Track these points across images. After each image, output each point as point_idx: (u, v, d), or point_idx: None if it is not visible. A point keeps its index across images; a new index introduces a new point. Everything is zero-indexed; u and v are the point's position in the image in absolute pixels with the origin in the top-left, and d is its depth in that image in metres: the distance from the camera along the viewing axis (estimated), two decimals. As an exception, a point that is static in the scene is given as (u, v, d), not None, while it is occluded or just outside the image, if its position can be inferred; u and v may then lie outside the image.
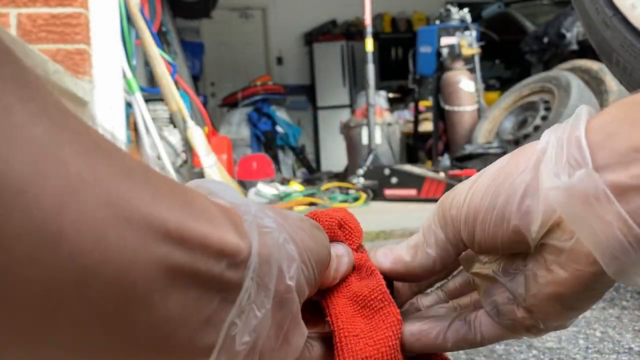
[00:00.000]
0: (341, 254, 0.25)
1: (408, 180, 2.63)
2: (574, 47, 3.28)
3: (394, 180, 2.69)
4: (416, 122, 4.03)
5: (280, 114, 4.80)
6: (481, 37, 3.51)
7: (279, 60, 6.46)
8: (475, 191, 0.23)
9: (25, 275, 0.12)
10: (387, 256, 0.26)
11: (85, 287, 0.13)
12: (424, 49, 3.49)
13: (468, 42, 3.35)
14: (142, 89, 2.09)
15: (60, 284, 0.13)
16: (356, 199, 2.61)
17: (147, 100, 2.10)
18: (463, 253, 0.26)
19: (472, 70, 3.35)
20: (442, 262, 0.25)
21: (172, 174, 2.06)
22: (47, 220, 0.12)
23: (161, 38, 2.58)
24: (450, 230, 0.24)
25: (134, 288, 0.14)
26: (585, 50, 3.13)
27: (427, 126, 3.97)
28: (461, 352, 0.64)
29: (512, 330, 0.24)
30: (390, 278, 0.26)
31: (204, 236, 0.17)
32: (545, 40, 3.41)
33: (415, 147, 4.29)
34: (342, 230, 0.27)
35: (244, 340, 0.18)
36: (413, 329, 0.25)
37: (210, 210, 0.18)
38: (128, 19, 1.99)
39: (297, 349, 0.21)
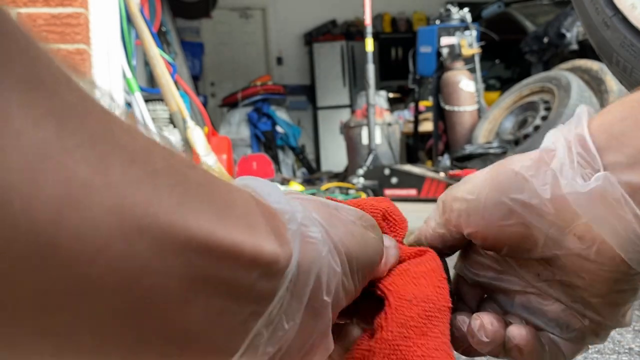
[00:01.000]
0: (388, 246, 0.25)
1: (408, 180, 2.63)
2: (574, 47, 3.28)
3: (394, 180, 2.69)
4: (416, 122, 4.03)
5: (280, 114, 4.80)
6: (481, 37, 3.51)
7: (279, 61, 6.46)
8: (478, 185, 0.24)
9: (17, 283, 0.12)
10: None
11: (87, 296, 0.13)
12: (424, 49, 3.49)
13: (468, 42, 3.35)
14: (141, 89, 2.09)
15: (55, 292, 0.13)
16: (356, 199, 2.61)
17: (146, 101, 2.10)
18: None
19: (472, 70, 3.36)
20: (442, 242, 0.26)
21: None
22: (38, 229, 0.12)
23: (161, 38, 2.58)
24: (446, 221, 0.25)
25: (146, 298, 0.14)
26: (586, 50, 3.13)
27: (427, 126, 3.97)
28: (461, 352, 0.64)
29: (581, 340, 0.25)
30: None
31: (236, 244, 0.16)
32: (545, 40, 3.41)
33: (415, 147, 4.29)
34: (386, 222, 0.27)
35: (267, 351, 0.18)
36: (489, 321, 0.25)
37: (252, 214, 0.18)
38: (128, 19, 1.99)
39: None
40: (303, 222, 0.19)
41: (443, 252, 0.27)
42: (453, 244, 0.26)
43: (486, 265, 0.26)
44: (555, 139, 0.22)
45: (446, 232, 0.26)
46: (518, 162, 0.23)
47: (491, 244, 0.24)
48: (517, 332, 0.24)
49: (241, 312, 0.17)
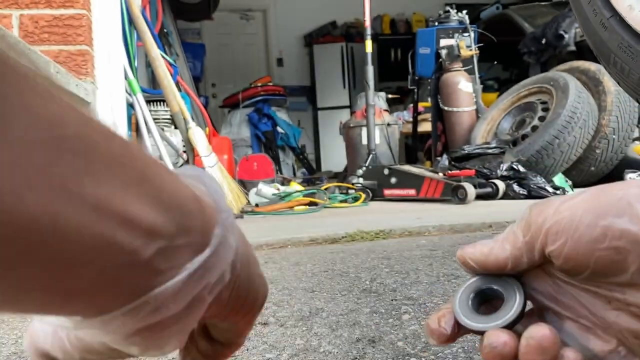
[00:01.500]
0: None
1: (407, 180, 2.64)
2: (572, 48, 3.29)
3: (393, 180, 2.70)
4: (415, 122, 4.04)
5: (281, 114, 4.81)
6: (479, 39, 3.52)
7: (280, 62, 6.47)
8: (573, 205, 0.23)
9: None
10: (474, 246, 0.27)
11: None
12: (423, 50, 3.50)
13: (467, 44, 3.37)
14: (143, 90, 2.10)
15: None
16: (356, 199, 2.62)
17: (148, 102, 2.11)
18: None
19: (470, 72, 3.37)
20: (513, 262, 0.25)
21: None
22: None
23: (162, 40, 2.59)
24: (531, 237, 0.24)
25: (35, 250, 0.15)
26: (583, 51, 3.14)
27: (426, 127, 3.98)
28: (460, 350, 0.65)
29: None
30: (471, 268, 0.27)
31: (133, 214, 0.17)
32: (543, 41, 3.43)
33: (414, 147, 4.31)
34: None
35: (146, 320, 0.19)
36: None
37: (175, 194, 0.19)
38: (130, 21, 2.00)
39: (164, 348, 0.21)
40: (230, 225, 0.21)
41: (509, 274, 0.26)
42: (528, 265, 0.25)
43: (548, 282, 0.25)
44: None
45: (526, 252, 0.25)
46: (622, 188, 0.22)
47: (574, 265, 0.23)
48: (574, 356, 0.23)
49: (133, 281, 0.18)
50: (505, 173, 2.54)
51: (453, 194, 2.34)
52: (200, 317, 0.21)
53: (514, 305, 0.25)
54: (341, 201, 2.60)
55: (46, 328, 0.22)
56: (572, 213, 0.23)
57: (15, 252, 0.14)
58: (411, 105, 4.17)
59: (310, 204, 2.48)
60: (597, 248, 0.22)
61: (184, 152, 2.25)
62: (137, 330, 0.19)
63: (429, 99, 3.63)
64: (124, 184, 0.17)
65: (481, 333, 0.25)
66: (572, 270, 0.24)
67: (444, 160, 2.83)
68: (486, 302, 0.27)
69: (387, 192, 2.73)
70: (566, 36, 3.28)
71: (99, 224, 0.16)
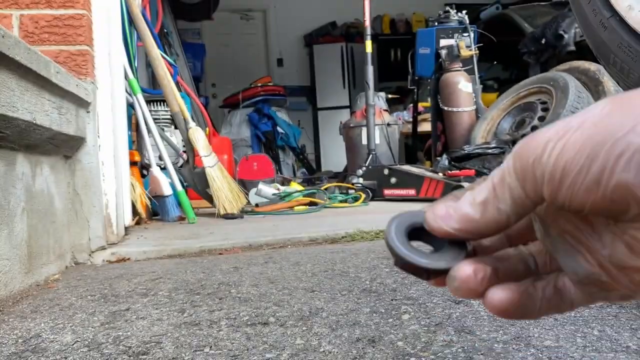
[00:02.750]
0: None
1: (407, 180, 2.64)
2: (572, 48, 3.29)
3: (393, 180, 2.70)
4: (415, 122, 4.04)
5: (281, 114, 4.81)
6: (479, 39, 3.53)
7: (280, 62, 6.47)
8: (565, 147, 0.20)
9: None
10: (451, 216, 0.24)
11: None
12: (423, 50, 3.50)
13: (466, 44, 3.36)
14: (143, 90, 2.10)
15: None
16: (356, 199, 2.62)
17: (148, 102, 2.11)
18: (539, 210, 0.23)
19: (470, 72, 3.37)
20: (517, 218, 0.23)
21: (173, 174, 2.06)
22: None
23: (163, 40, 2.59)
24: (530, 185, 0.21)
25: None
26: (583, 51, 3.14)
27: (425, 127, 3.98)
28: (459, 349, 0.65)
29: (604, 298, 0.23)
30: (456, 237, 0.24)
31: None
32: (543, 41, 3.43)
33: (414, 147, 4.30)
34: None
35: None
36: (503, 297, 0.23)
37: None
38: (130, 21, 2.00)
39: None
40: None
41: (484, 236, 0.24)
42: (533, 208, 0.22)
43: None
44: None
45: (530, 205, 0.22)
46: (618, 124, 0.19)
47: (571, 209, 0.21)
48: (499, 296, 0.23)
49: None
50: (505, 173, 2.53)
51: (453, 194, 2.34)
52: None
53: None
54: (341, 201, 2.60)
55: None
56: (566, 155, 0.20)
57: None
58: (411, 105, 4.17)
59: (310, 204, 2.48)
60: (593, 194, 0.20)
61: (184, 152, 2.25)
62: None
63: (429, 99, 3.63)
64: None
65: (443, 272, 0.24)
66: (568, 211, 0.22)
67: (444, 160, 2.83)
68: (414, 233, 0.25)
69: (387, 192, 2.73)
70: (566, 36, 3.28)
71: None
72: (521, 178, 0.22)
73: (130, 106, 2.03)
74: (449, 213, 0.24)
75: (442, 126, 3.46)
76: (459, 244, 0.25)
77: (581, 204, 0.20)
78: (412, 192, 2.61)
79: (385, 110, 3.75)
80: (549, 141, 0.21)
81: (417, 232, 0.25)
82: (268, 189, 2.55)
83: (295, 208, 2.39)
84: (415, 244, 0.25)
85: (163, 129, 2.24)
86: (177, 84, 2.28)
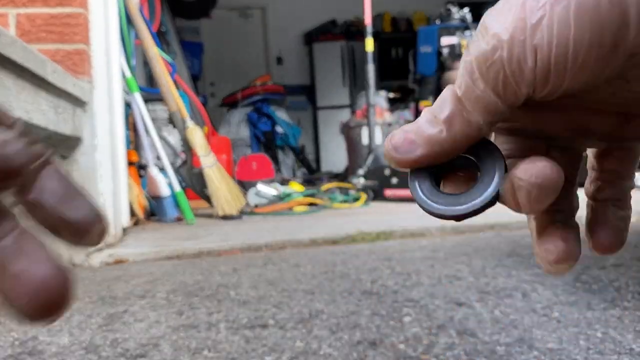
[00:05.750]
0: None
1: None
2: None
3: (394, 180, 2.69)
4: (416, 122, 4.03)
5: (280, 114, 4.80)
6: (481, 37, 3.52)
7: (279, 60, 6.47)
8: (549, 26, 0.17)
9: None
10: (413, 142, 0.20)
11: None
12: (425, 49, 3.49)
13: (468, 42, 3.35)
14: (141, 89, 2.09)
15: None
16: (356, 200, 2.61)
17: (146, 101, 2.10)
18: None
19: (471, 70, 3.36)
20: (489, 128, 0.20)
21: (172, 174, 2.05)
22: None
23: (160, 38, 2.58)
24: (509, 90, 0.18)
25: None
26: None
27: (427, 126, 3.97)
28: (461, 352, 0.64)
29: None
30: (422, 165, 0.20)
31: None
32: (545, 40, 3.42)
33: (415, 147, 4.29)
34: None
35: None
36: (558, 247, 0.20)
37: None
38: (127, 19, 1.99)
39: None
40: None
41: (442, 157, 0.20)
42: (489, 130, 0.20)
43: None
44: None
45: (505, 109, 0.19)
46: None
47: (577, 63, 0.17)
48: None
49: None
50: (506, 172, 2.53)
51: (454, 193, 2.33)
52: None
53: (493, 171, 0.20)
54: (341, 202, 2.59)
55: None
56: (560, 34, 0.17)
57: None
58: (412, 104, 4.16)
59: (310, 204, 2.47)
60: (607, 68, 0.17)
61: (182, 151, 2.24)
62: None
63: (431, 98, 3.63)
64: None
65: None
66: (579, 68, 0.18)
67: (445, 160, 2.82)
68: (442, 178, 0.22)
69: (388, 192, 2.72)
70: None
71: None
72: (492, 82, 0.18)
73: (128, 105, 2.02)
74: (410, 139, 0.20)
75: (442, 125, 3.46)
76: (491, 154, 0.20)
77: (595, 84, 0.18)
78: (412, 191, 2.60)
79: (387, 110, 3.74)
80: (509, 24, 0.17)
81: (443, 169, 0.22)
82: (267, 190, 2.54)
83: (295, 209, 2.38)
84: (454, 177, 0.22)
85: (161, 128, 2.23)
86: (175, 82, 2.27)
